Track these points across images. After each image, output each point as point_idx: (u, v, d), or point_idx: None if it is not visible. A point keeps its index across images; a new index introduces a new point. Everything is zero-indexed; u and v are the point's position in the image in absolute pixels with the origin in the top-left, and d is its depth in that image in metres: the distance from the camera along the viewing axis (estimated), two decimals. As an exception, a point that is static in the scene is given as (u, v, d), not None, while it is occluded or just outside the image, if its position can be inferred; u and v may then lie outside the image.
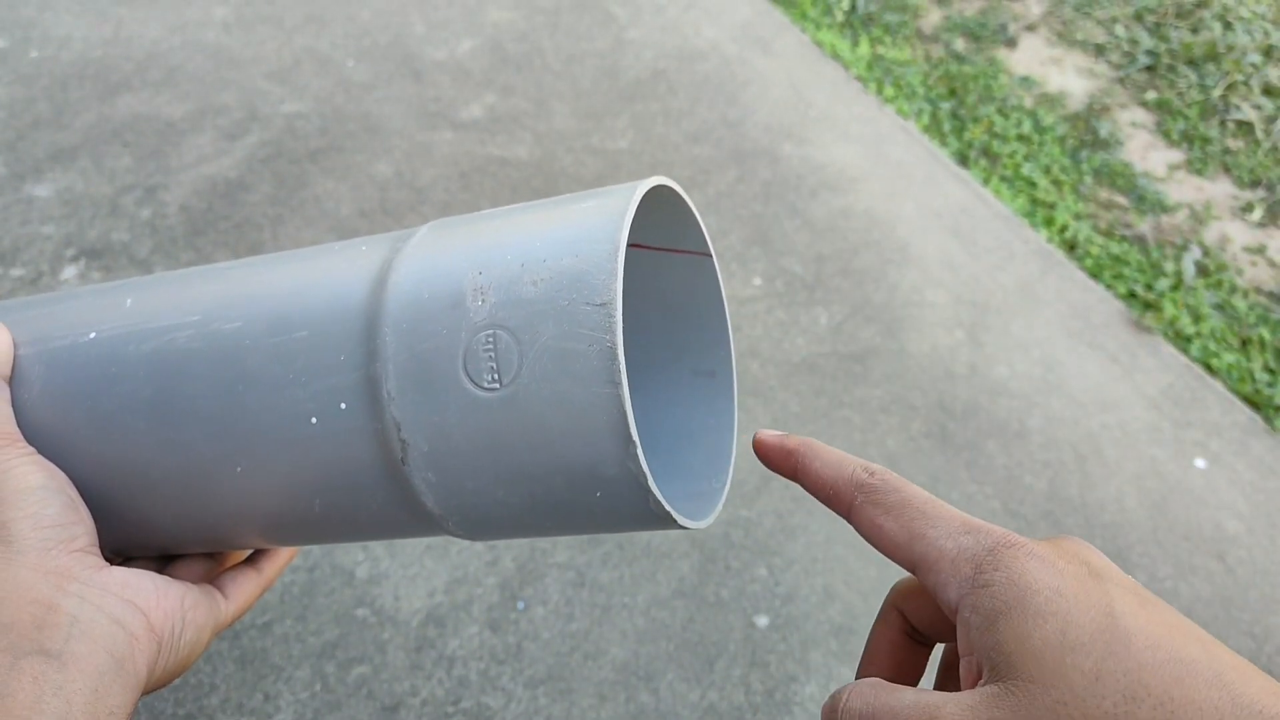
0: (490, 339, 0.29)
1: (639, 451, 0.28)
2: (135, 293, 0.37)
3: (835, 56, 2.32)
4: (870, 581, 1.25)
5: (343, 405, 0.31)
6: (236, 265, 0.37)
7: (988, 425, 1.48)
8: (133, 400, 0.34)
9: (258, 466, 0.33)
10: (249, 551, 0.42)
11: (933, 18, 2.60)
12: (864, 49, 2.42)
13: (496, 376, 0.29)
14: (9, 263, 1.60)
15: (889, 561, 1.28)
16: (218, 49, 2.11)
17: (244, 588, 0.40)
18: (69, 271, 1.59)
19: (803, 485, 0.33)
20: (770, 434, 0.34)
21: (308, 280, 0.34)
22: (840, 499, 0.31)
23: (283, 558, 0.43)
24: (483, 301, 0.29)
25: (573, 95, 2.06)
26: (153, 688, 0.33)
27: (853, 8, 2.58)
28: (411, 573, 1.21)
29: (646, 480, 0.29)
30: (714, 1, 2.44)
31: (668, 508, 0.30)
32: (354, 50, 2.15)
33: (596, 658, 1.15)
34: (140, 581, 0.34)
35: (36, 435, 0.35)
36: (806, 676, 1.16)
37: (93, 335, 0.36)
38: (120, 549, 0.37)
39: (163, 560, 0.40)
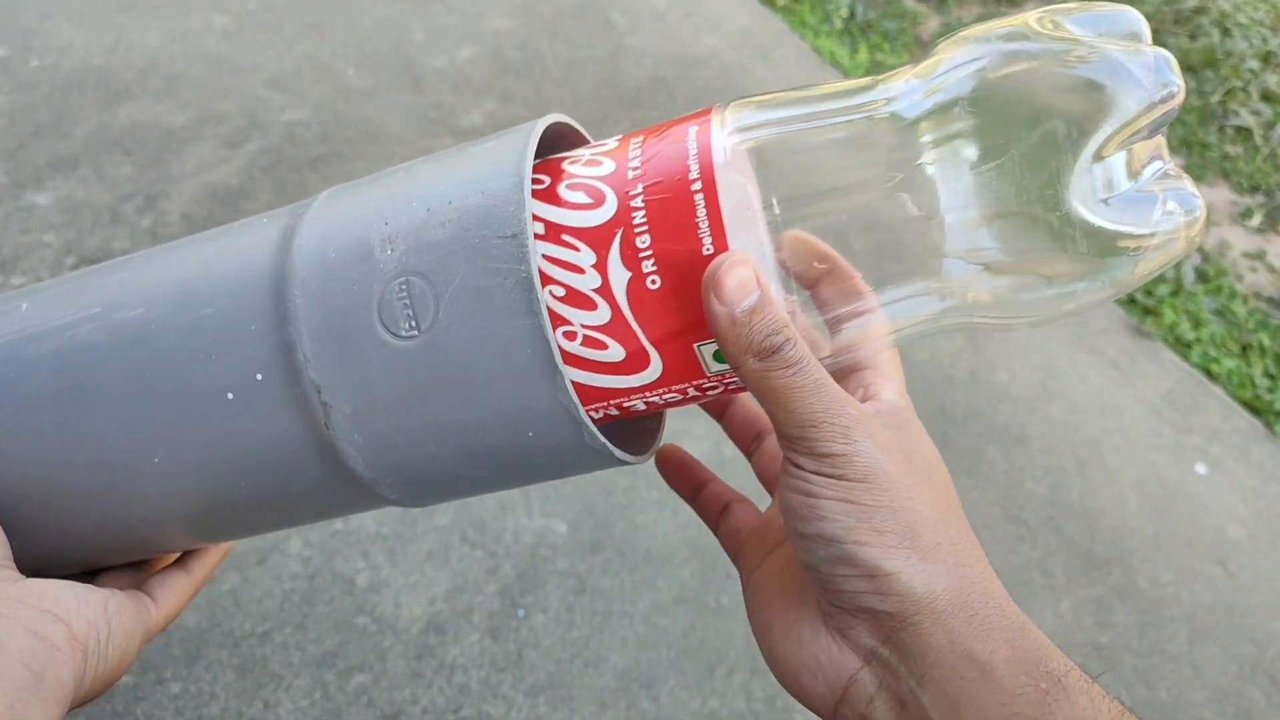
0: (404, 286, 0.28)
1: (567, 381, 0.28)
2: (31, 297, 0.36)
3: (834, 63, 2.33)
4: (871, 588, 1.25)
5: (259, 376, 0.30)
6: (134, 256, 0.36)
7: (988, 431, 1.48)
8: (37, 402, 0.33)
9: (176, 452, 0.32)
10: (176, 555, 0.41)
11: (931, 25, 2.61)
12: (863, 56, 2.42)
13: (414, 323, 0.28)
14: (9, 271, 1.60)
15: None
16: (218, 57, 2.12)
17: (173, 590, 0.38)
18: (69, 279, 1.59)
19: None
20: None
21: (208, 258, 0.33)
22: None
23: (213, 557, 0.41)
24: (391, 251, 0.29)
25: (572, 102, 2.07)
26: (84, 699, 0.32)
27: (851, 15, 2.59)
28: (412, 580, 1.21)
29: (578, 411, 0.28)
30: (713, 9, 2.44)
31: (601, 439, 0.29)
32: (354, 58, 2.15)
33: (597, 665, 1.15)
34: (58, 591, 0.32)
35: None
36: (808, 684, 1.15)
37: None
38: (38, 569, 0.35)
39: (86, 576, 0.38)
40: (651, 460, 0.36)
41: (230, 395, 0.31)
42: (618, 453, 0.30)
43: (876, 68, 2.39)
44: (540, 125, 0.31)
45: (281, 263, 0.31)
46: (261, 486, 0.33)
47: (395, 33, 2.25)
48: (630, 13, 2.39)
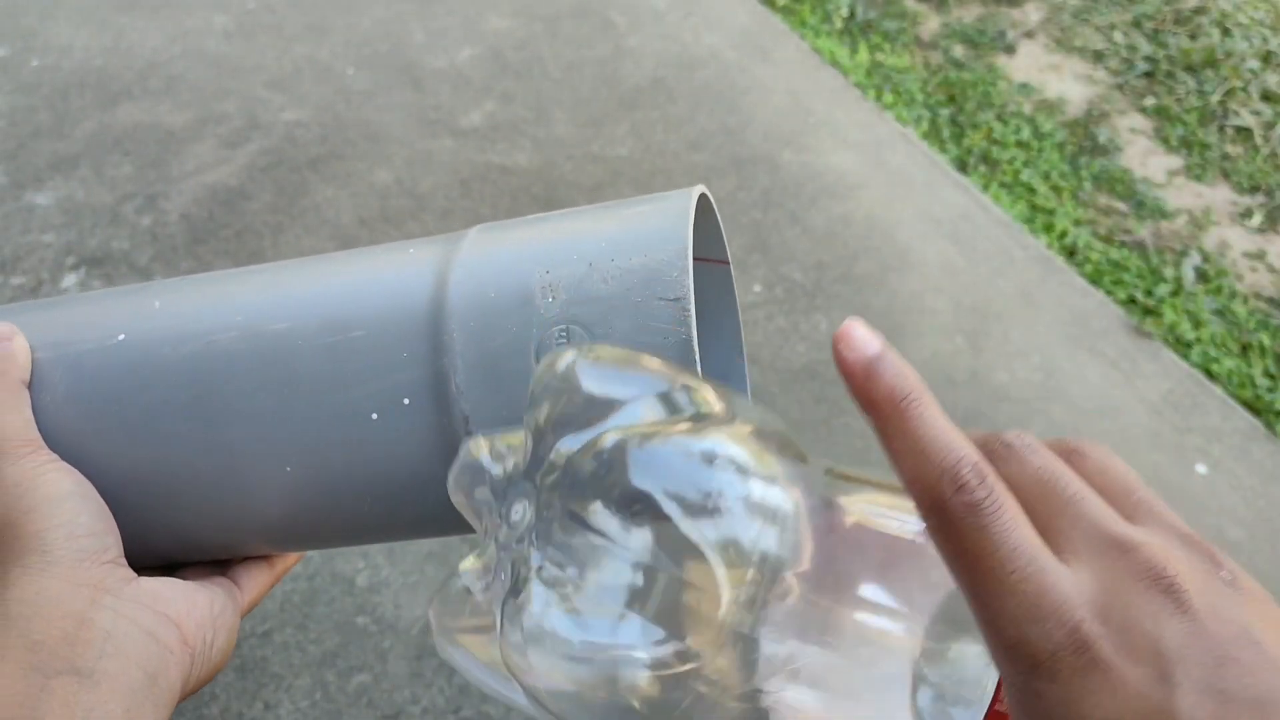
0: (564, 333, 0.30)
1: None
2: (162, 296, 0.36)
3: (834, 63, 2.33)
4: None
5: (406, 401, 0.32)
6: (270, 269, 0.37)
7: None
8: (171, 403, 0.33)
9: (309, 466, 0.33)
10: None
11: (931, 24, 2.61)
12: (863, 56, 2.42)
13: None
14: (9, 271, 1.60)
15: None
16: (218, 58, 2.12)
17: (257, 579, 0.39)
18: (69, 280, 1.60)
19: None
20: (859, 338, 0.23)
21: (357, 282, 0.34)
22: (919, 498, 0.23)
23: (295, 553, 0.41)
24: (553, 299, 0.30)
25: (572, 103, 2.07)
26: (184, 698, 0.33)
27: (851, 15, 2.59)
28: (412, 580, 1.21)
29: None
30: (713, 9, 2.44)
31: None
32: (354, 58, 2.15)
33: (597, 665, 1.15)
34: (171, 592, 0.33)
35: (57, 442, 0.34)
36: (808, 684, 1.15)
37: (121, 338, 0.35)
38: (132, 560, 0.36)
39: (168, 569, 0.38)
40: None
41: (374, 416, 0.32)
42: None
43: (876, 68, 2.39)
44: (695, 194, 0.33)
45: (439, 297, 0.32)
46: (384, 503, 0.34)
47: (395, 33, 2.25)
48: (630, 13, 2.39)
